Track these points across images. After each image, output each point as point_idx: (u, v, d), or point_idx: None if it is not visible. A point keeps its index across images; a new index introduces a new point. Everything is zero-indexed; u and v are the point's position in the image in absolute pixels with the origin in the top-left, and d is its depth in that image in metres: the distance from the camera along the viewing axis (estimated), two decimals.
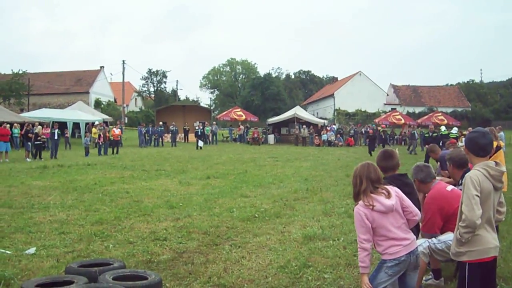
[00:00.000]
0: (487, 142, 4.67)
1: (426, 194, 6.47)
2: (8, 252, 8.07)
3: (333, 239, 8.92)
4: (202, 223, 10.25)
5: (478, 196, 4.42)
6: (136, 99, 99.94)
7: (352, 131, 51.93)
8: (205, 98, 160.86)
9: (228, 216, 11.15)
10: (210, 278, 6.75)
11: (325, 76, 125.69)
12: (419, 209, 5.11)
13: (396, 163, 5.57)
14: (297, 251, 8.14)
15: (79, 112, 50.63)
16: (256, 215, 11.21)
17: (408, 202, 4.89)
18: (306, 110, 75.78)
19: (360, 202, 4.75)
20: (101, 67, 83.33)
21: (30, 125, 34.23)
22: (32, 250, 8.19)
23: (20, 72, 64.06)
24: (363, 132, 50.60)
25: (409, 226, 4.87)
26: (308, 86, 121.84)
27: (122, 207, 12.33)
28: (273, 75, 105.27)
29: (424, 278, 6.58)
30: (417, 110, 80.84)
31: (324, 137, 49.72)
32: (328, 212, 11.49)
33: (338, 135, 50.90)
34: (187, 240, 8.80)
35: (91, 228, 9.92)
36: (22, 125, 36.69)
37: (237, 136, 54.89)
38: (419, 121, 58.00)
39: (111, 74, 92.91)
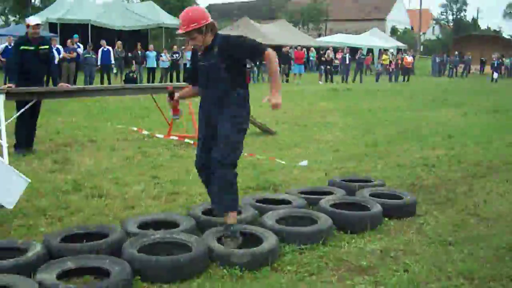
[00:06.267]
0: None
1: None
2: (283, 162, 8.81)
3: None
4: (475, 155, 9.88)
5: None
6: (433, 27, 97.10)
7: None
8: (509, 29, 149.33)
9: (506, 150, 10.57)
10: (466, 206, 6.57)
11: None
12: None
13: None
14: None
15: (372, 38, 51.06)
16: None
17: None
18: None
19: None
20: None
21: (325, 50, 35.66)
22: (305, 162, 8.81)
23: None
24: None
25: None
26: None
27: (400, 132, 12.48)
28: None
29: None
30: None
31: None
32: None
33: None
34: (455, 169, 8.60)
35: (364, 149, 10.28)
36: (317, 49, 38.38)
37: None
38: None
39: (409, 1, 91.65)
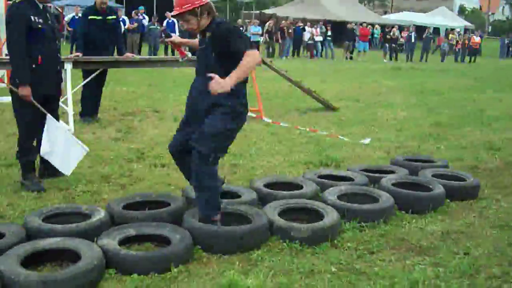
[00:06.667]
0: None
1: None
2: (346, 139, 8.75)
3: None
4: None
5: None
6: (503, 7, 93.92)
7: None
8: None
9: None
10: None
11: None
12: None
13: None
14: None
15: (439, 17, 49.91)
16: None
17: None
18: None
19: None
20: None
21: (391, 27, 35.03)
22: (367, 140, 8.74)
23: None
24: None
25: None
26: None
27: (464, 113, 12.18)
28: None
29: None
30: None
31: None
32: None
33: None
34: None
35: (427, 129, 10.09)
36: (382, 26, 37.74)
37: None
38: None
39: None
